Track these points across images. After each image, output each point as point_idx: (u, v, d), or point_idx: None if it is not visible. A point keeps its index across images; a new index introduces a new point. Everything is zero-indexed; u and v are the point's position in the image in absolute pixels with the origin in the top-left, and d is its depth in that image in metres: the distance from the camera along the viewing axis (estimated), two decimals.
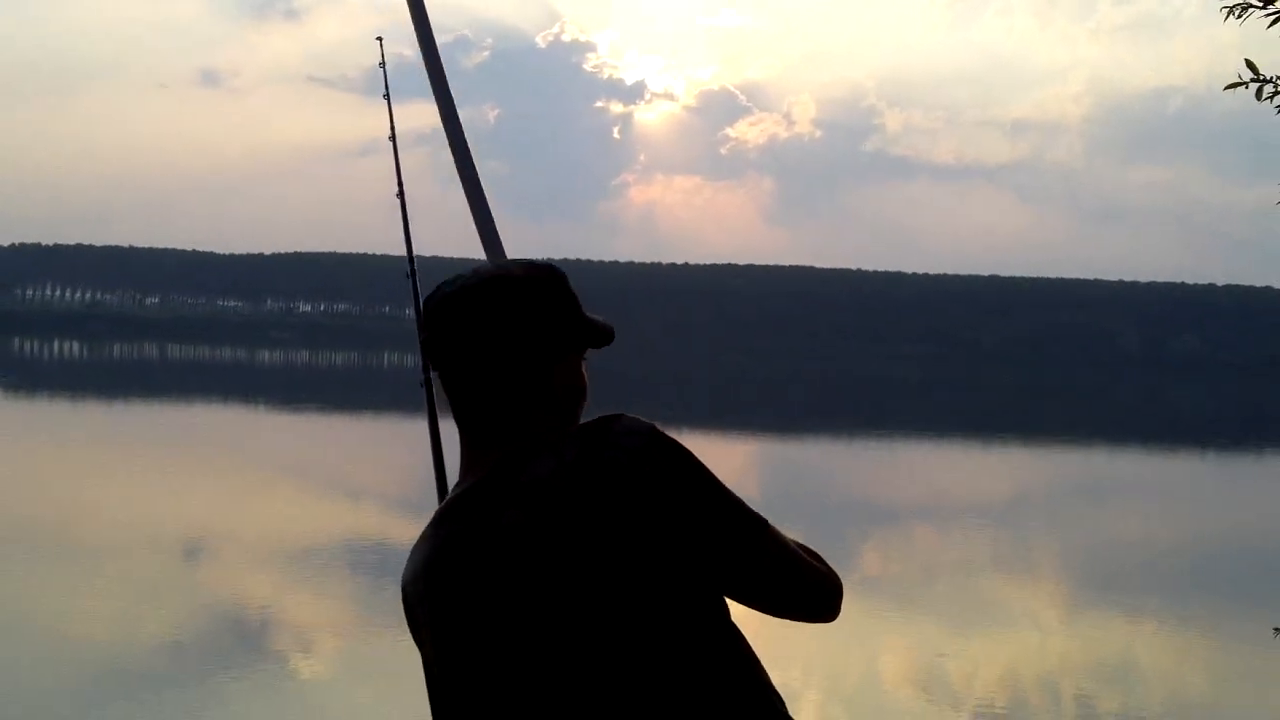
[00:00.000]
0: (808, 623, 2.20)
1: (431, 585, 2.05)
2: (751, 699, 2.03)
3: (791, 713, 2.08)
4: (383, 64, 3.16)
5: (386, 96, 3.12)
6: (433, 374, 2.23)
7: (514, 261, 2.19)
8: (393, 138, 3.03)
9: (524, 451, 2.06)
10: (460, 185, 2.75)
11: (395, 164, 2.99)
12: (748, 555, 2.04)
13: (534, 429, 2.09)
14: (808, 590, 2.14)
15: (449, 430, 2.37)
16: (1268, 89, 4.12)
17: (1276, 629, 5.38)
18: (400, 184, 2.98)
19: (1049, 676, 12.98)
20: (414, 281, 2.72)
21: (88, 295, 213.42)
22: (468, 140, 2.82)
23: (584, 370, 2.18)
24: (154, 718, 10.24)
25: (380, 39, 3.20)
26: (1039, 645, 14.35)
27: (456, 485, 2.12)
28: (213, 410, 50.06)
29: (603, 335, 2.18)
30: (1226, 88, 4.15)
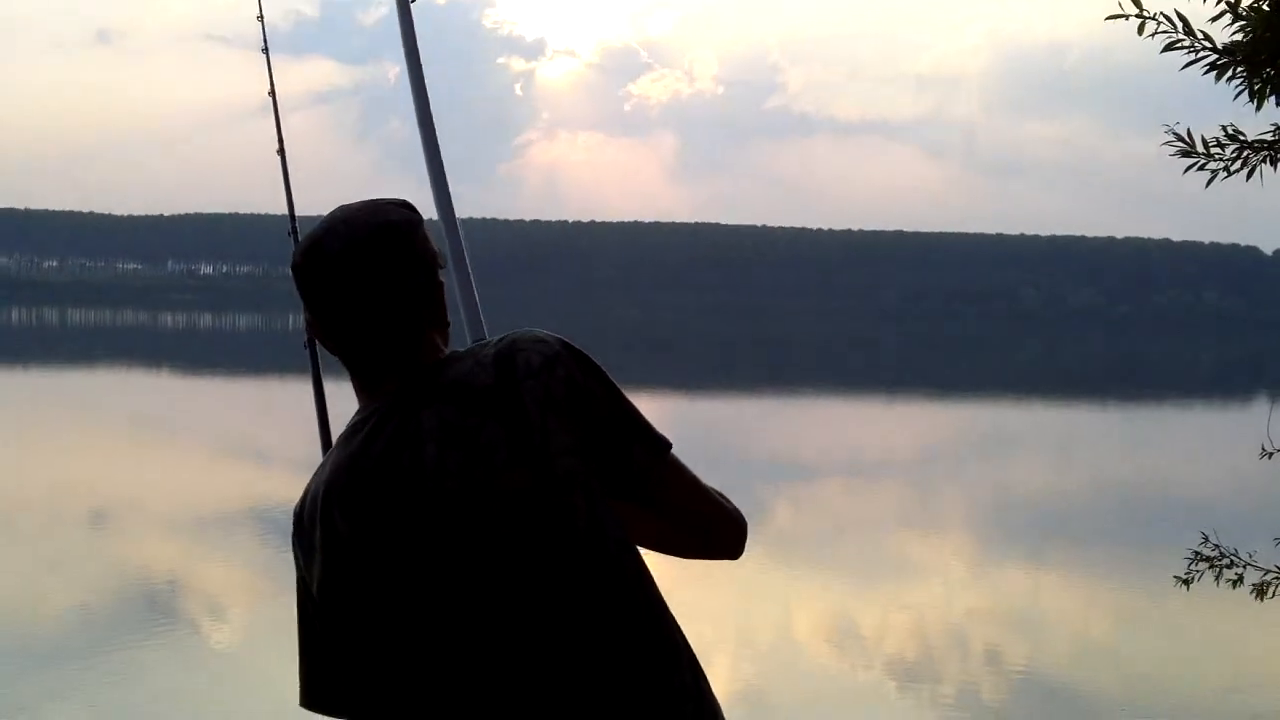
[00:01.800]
0: (711, 557, 2.20)
1: (340, 496, 2.01)
2: (658, 635, 2.02)
3: (703, 666, 2.07)
4: (260, 17, 3.06)
5: (265, 50, 3.03)
6: (309, 315, 2.17)
7: (376, 202, 2.14)
8: (272, 93, 2.95)
9: (437, 364, 2.07)
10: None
11: (275, 120, 2.91)
12: (651, 468, 2.05)
13: (435, 354, 2.10)
14: (711, 520, 2.14)
15: (333, 390, 2.33)
16: (1150, 25, 4.13)
17: (1176, 577, 5.46)
18: (280, 141, 2.90)
19: (957, 628, 13.15)
20: (295, 240, 2.65)
21: None
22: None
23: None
24: (60, 689, 10.06)
25: None
26: (946, 598, 14.51)
27: (357, 413, 2.10)
28: (114, 375, 49.27)
29: (443, 259, 2.19)
30: (1108, 18, 4.14)
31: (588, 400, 2.02)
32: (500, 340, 2.07)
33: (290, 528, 2.11)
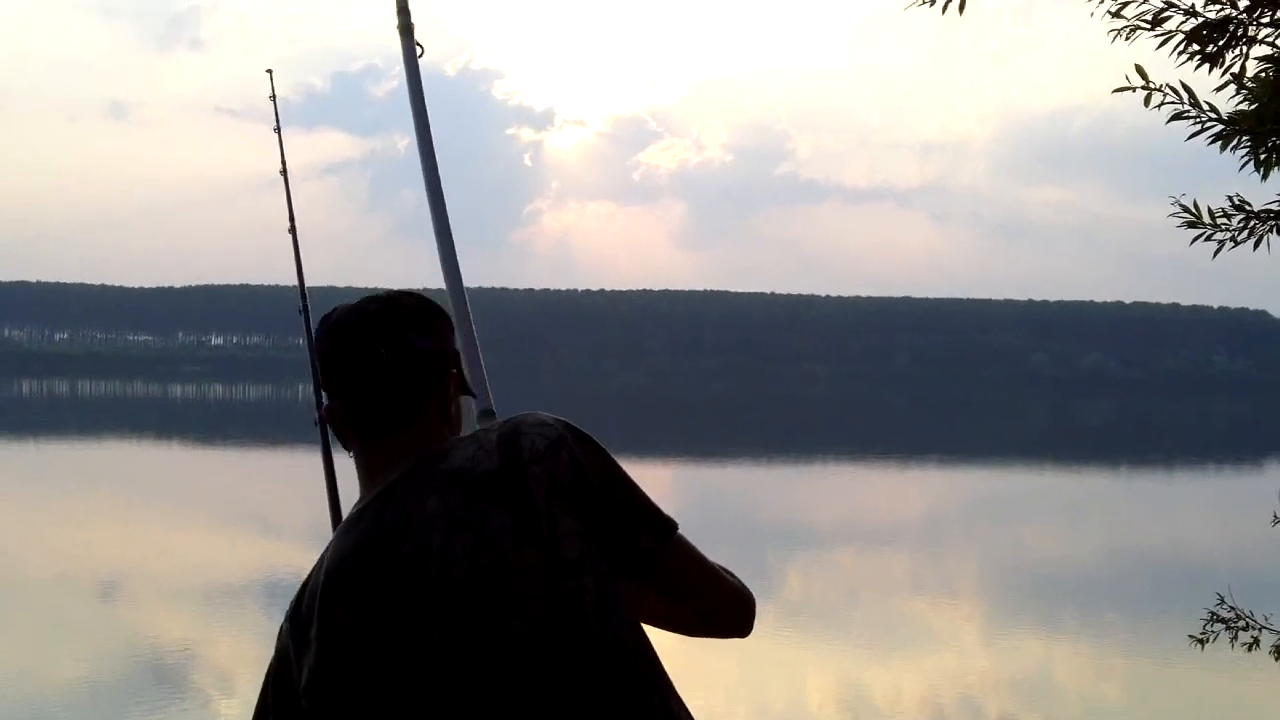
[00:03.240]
0: (719, 635, 2.20)
1: (342, 588, 1.99)
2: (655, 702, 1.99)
3: None
4: (273, 97, 3.09)
5: (277, 130, 3.06)
6: (329, 401, 2.20)
7: (399, 292, 2.22)
8: (284, 172, 2.98)
9: (440, 451, 2.06)
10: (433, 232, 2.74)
11: (287, 199, 2.93)
12: (658, 551, 2.05)
13: (438, 442, 2.10)
14: (720, 599, 2.15)
15: (343, 465, 2.35)
16: (1156, 97, 4.16)
17: (1191, 636, 5.42)
18: (292, 219, 2.92)
19: (970, 696, 13.05)
20: (306, 318, 2.67)
21: None
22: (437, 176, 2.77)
23: (457, 392, 2.23)
24: None
25: (270, 71, 3.12)
26: (959, 664, 14.43)
27: (360, 500, 2.10)
28: (125, 447, 49.29)
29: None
30: (1115, 90, 4.17)
31: (592, 485, 2.01)
32: (504, 424, 2.07)
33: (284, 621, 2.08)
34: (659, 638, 2.08)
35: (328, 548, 2.08)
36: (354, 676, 1.98)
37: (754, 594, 2.19)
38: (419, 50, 2.83)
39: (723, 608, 2.16)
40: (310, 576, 2.07)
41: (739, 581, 2.17)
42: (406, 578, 1.96)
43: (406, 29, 2.82)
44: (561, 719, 1.92)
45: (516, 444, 2.01)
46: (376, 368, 2.10)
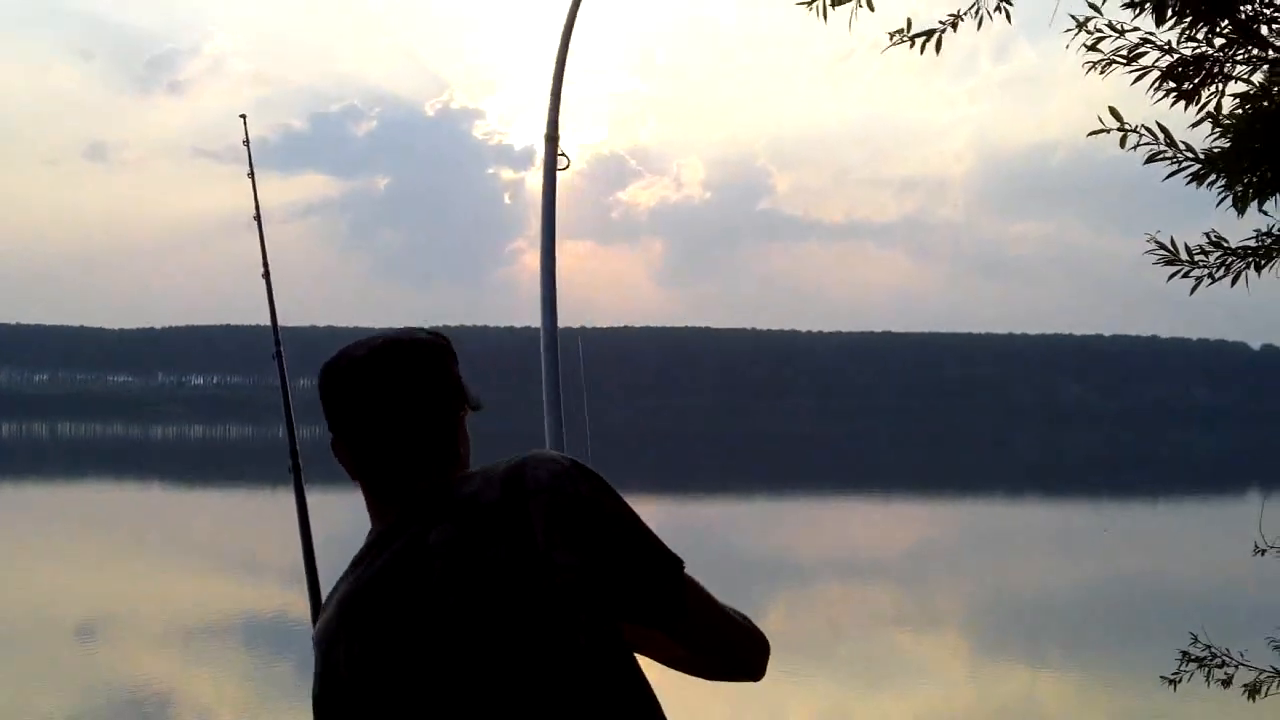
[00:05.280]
0: (732, 678, 2.19)
1: (355, 618, 2.02)
2: None
3: None
4: (246, 142, 3.09)
5: (251, 175, 3.05)
6: (335, 436, 2.19)
7: (406, 330, 2.21)
8: (257, 217, 2.97)
9: (447, 484, 2.07)
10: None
11: (260, 243, 2.92)
12: (665, 587, 2.04)
13: (447, 476, 2.11)
14: (732, 640, 2.14)
15: (317, 505, 2.33)
16: (1132, 138, 4.17)
17: (1163, 677, 5.42)
18: (265, 263, 2.91)
19: None
20: (280, 361, 2.67)
21: None
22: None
23: (467, 429, 2.22)
24: None
25: (244, 116, 3.12)
26: (942, 698, 14.40)
27: (370, 534, 2.11)
28: (105, 489, 49.07)
29: (478, 402, 2.21)
30: (1090, 134, 4.20)
31: (596, 519, 2.01)
32: (512, 458, 2.08)
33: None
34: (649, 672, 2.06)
35: (340, 580, 2.12)
36: (358, 698, 2.00)
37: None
38: (564, 162, 2.86)
39: (732, 649, 2.15)
40: (324, 610, 2.11)
41: (752, 624, 2.16)
42: (406, 606, 1.98)
43: (552, 138, 2.85)
44: None
45: (521, 477, 2.03)
46: (381, 412, 2.10)
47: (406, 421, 2.10)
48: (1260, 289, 4.40)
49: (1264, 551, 5.39)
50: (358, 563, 2.08)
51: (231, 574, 24.21)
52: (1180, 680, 5.31)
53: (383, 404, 2.10)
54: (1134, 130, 4.14)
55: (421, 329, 2.22)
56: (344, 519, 2.22)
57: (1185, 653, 5.32)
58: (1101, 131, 4.16)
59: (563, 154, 2.90)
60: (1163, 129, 4.14)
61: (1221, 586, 21.41)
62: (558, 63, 3.36)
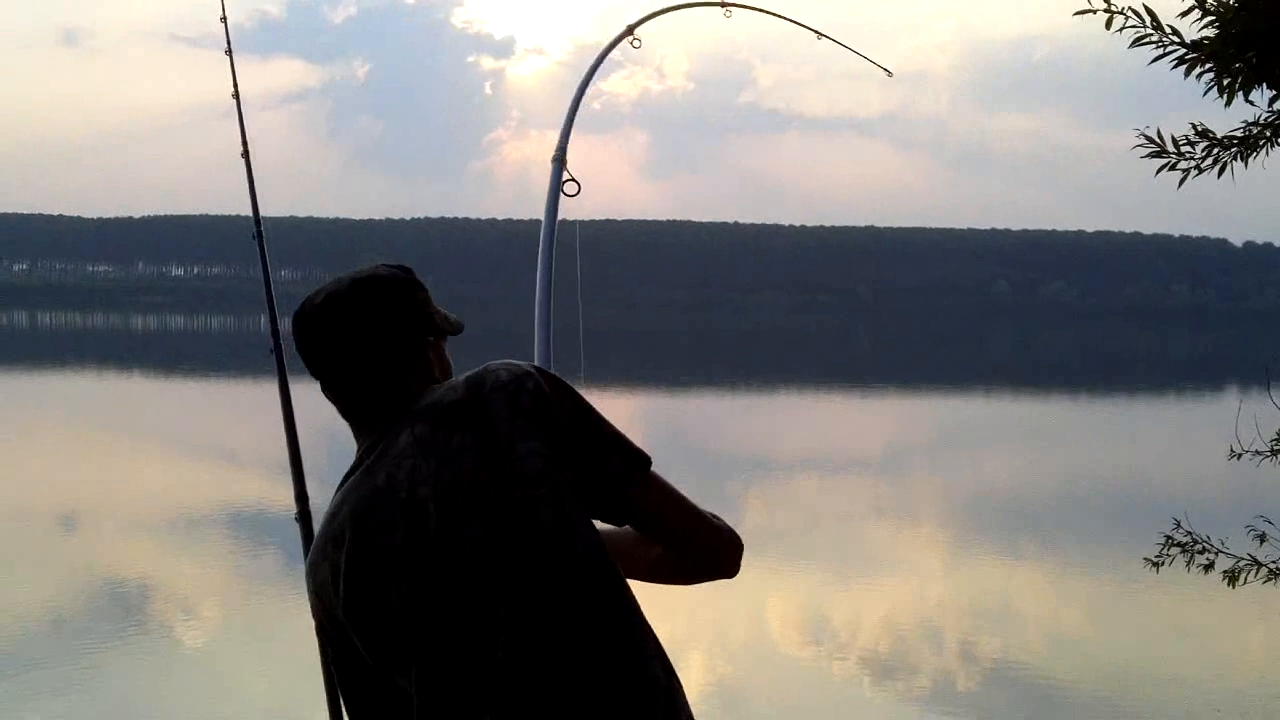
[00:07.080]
0: (706, 576, 2.23)
1: (339, 528, 2.09)
2: (628, 627, 2.03)
3: (676, 666, 2.08)
4: (224, 18, 3.03)
5: (228, 52, 3.00)
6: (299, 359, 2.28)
7: (367, 273, 2.23)
8: (236, 96, 2.93)
9: (417, 396, 2.14)
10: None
11: (239, 123, 2.89)
12: (630, 478, 2.08)
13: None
14: (702, 536, 2.17)
15: (299, 392, 2.34)
16: (1118, 20, 4.10)
17: (1146, 559, 5.46)
18: (245, 145, 2.88)
19: (930, 622, 13.18)
20: (260, 244, 2.65)
21: None
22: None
23: (446, 354, 2.27)
24: (30, 693, 10.00)
25: None
26: (920, 591, 14.56)
27: (357, 452, 2.18)
28: (85, 378, 48.98)
29: (455, 326, 2.29)
30: (1076, 13, 4.11)
31: (558, 414, 2.06)
32: (474, 370, 2.13)
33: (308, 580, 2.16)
34: None
35: (333, 498, 2.17)
36: (357, 601, 2.06)
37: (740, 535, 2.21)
38: (575, 189, 2.86)
39: (703, 544, 2.18)
40: (319, 530, 2.17)
41: (722, 521, 2.19)
42: (381, 504, 2.05)
43: (560, 159, 2.84)
44: (517, 625, 1.97)
45: (481, 379, 2.09)
46: (353, 358, 2.15)
47: (375, 359, 2.15)
48: (1244, 182, 4.37)
49: (1239, 456, 5.39)
50: (343, 481, 2.15)
51: (213, 464, 24.27)
52: (1162, 564, 5.36)
53: (348, 346, 2.15)
54: (1120, 12, 4.08)
55: (384, 264, 2.26)
56: (328, 410, 2.23)
57: (1169, 537, 5.36)
58: (1088, 11, 4.09)
59: (571, 179, 2.93)
60: (1149, 11, 4.08)
61: (1201, 484, 21.59)
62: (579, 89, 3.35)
